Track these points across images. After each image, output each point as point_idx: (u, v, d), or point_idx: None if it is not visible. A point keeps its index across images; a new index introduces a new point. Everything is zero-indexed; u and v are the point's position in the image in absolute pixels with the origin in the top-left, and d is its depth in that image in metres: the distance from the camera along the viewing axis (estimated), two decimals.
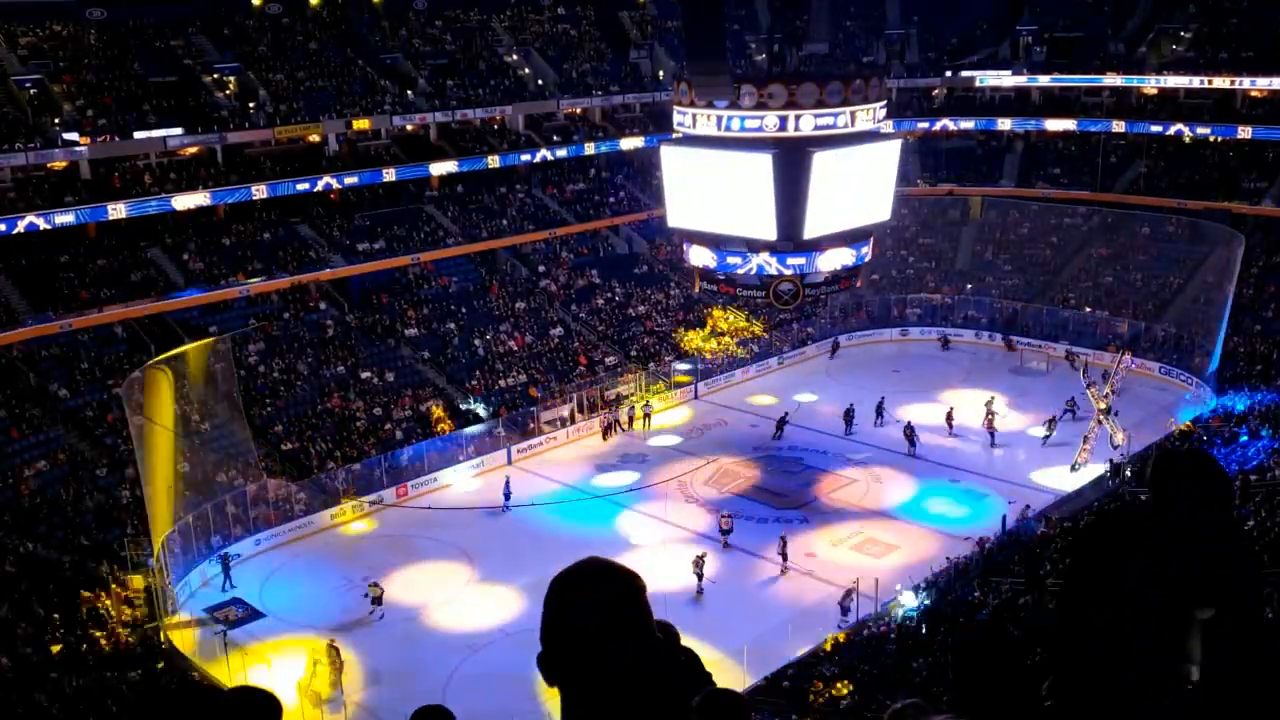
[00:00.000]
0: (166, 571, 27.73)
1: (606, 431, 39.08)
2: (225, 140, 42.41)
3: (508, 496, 33.38)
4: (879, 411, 38.52)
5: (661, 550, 29.92)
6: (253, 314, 39.85)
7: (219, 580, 29.19)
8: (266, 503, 32.16)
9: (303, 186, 43.66)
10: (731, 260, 29.37)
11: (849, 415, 38.18)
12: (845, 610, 25.94)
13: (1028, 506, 30.37)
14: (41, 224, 37.11)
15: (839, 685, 21.43)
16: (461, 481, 35.66)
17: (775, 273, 28.96)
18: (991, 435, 37.02)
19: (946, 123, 56.96)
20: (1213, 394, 38.59)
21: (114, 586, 27.40)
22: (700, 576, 27.93)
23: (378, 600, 27.13)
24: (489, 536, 31.59)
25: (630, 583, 1.93)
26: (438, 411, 37.77)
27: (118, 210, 38.66)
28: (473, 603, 28.11)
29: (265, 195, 42.46)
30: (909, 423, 37.14)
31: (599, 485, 35.12)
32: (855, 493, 33.87)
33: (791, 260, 28.87)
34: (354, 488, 34.04)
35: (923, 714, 2.45)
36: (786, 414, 38.48)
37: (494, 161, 48.80)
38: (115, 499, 31.06)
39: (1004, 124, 56.28)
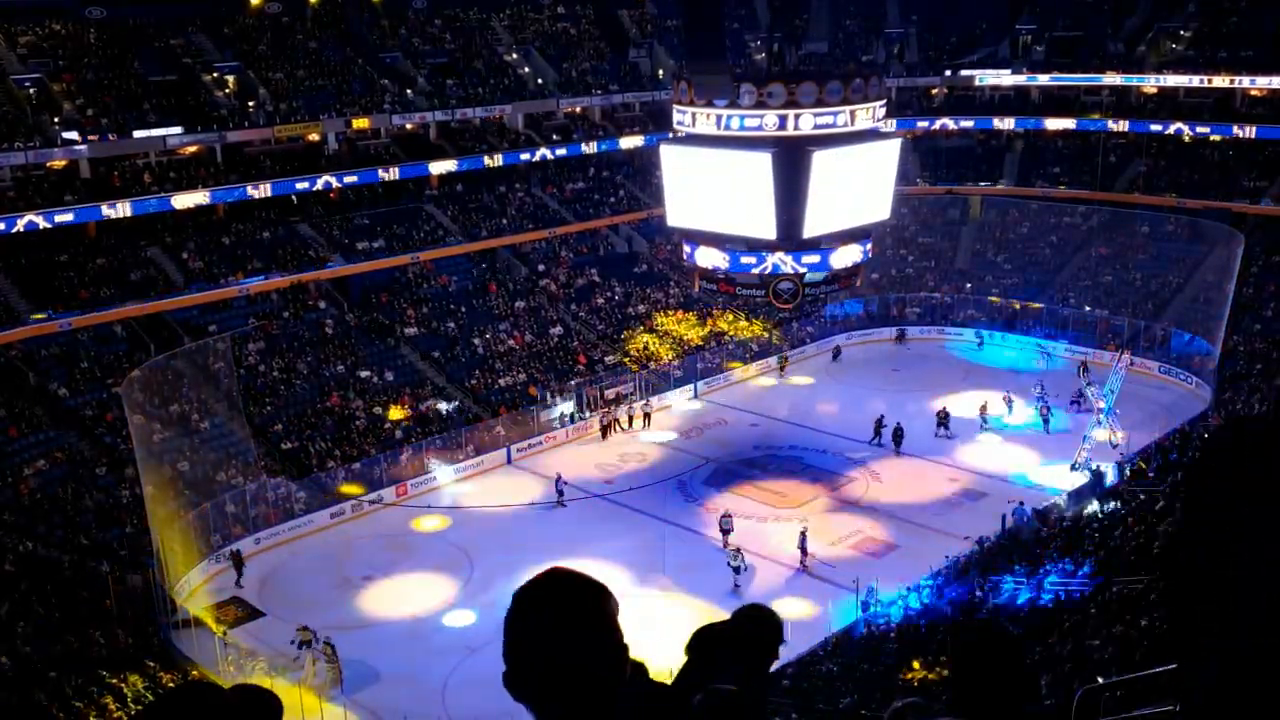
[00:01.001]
0: (166, 570, 27.73)
1: (605, 431, 39.08)
2: (225, 139, 42.41)
3: (561, 493, 33.35)
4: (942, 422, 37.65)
5: (666, 549, 29.92)
6: (252, 313, 39.84)
7: (232, 576, 29.24)
8: (266, 502, 32.15)
9: (302, 185, 43.67)
10: (745, 260, 29.30)
11: (898, 435, 36.37)
12: (866, 608, 26.04)
13: (1021, 502, 30.37)
14: (41, 222, 37.10)
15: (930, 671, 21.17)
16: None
17: (790, 270, 29.03)
18: (1045, 421, 37.61)
19: (946, 122, 56.95)
20: (1212, 393, 38.61)
21: (113, 586, 27.40)
22: (737, 570, 28.08)
23: (306, 644, 24.97)
24: (491, 535, 31.58)
25: (593, 593, 1.85)
26: (398, 413, 37.56)
27: (116, 209, 38.57)
28: (471, 602, 28.12)
29: (265, 194, 42.44)
30: (944, 408, 37.77)
31: (602, 484, 35.12)
32: (854, 491, 33.88)
33: (806, 259, 28.96)
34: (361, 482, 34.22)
35: (922, 714, 2.45)
36: (882, 416, 37.44)
37: (494, 160, 48.78)
38: (115, 498, 31.05)
39: (1004, 123, 56.25)
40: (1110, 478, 32.38)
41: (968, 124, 56.87)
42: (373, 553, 31.07)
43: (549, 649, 1.79)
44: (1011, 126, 56.28)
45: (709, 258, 30.15)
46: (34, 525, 29.11)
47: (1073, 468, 34.20)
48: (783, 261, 28.82)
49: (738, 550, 28.48)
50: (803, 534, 29.07)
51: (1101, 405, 34.85)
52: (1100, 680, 10.76)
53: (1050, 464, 34.82)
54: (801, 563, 28.82)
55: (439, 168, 47.30)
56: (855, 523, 31.62)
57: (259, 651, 25.67)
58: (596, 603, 1.85)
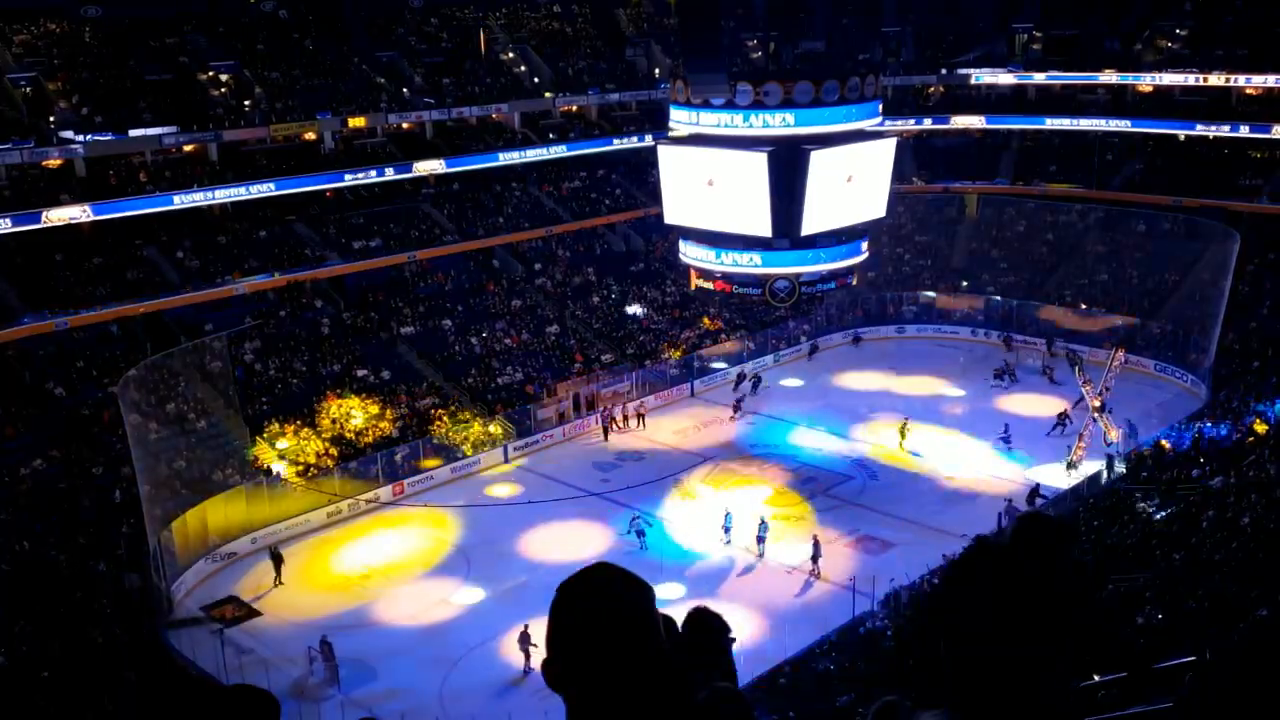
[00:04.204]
0: (164, 569, 27.72)
1: (607, 431, 38.99)
2: (221, 139, 42.34)
3: (642, 534, 30.24)
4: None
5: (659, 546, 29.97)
6: (249, 312, 39.80)
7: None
8: (264, 500, 32.12)
9: (299, 184, 43.49)
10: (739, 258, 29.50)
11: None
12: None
13: (1010, 501, 30.43)
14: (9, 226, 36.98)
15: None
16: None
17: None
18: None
19: (943, 120, 56.98)
20: (1208, 391, 38.69)
21: (110, 585, 27.38)
22: (762, 540, 29.17)
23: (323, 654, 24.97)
24: (486, 535, 31.60)
25: (639, 592, 1.91)
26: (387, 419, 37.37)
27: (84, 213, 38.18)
28: (470, 602, 28.15)
29: (266, 193, 42.33)
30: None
31: (600, 483, 35.13)
32: (852, 490, 33.92)
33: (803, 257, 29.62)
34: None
35: (908, 711, 2.45)
36: (907, 419, 37.21)
37: (491, 160, 48.71)
38: (111, 498, 30.99)
39: (1000, 122, 56.31)
40: (1106, 476, 32.49)
41: (964, 122, 56.91)
42: (370, 551, 31.09)
43: (591, 642, 1.85)
44: (1008, 125, 56.34)
45: (702, 256, 30.33)
46: (31, 525, 29.08)
47: (1068, 467, 34.25)
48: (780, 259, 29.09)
49: (763, 521, 29.67)
50: (815, 542, 28.74)
51: (1096, 404, 34.88)
52: (1096, 678, 10.80)
53: (1045, 463, 34.87)
54: (813, 571, 28.45)
55: (435, 167, 47.21)
56: (853, 521, 31.65)
57: (256, 651, 25.66)
58: (640, 599, 1.89)
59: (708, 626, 2.76)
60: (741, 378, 42.90)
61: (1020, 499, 30.81)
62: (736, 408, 40.10)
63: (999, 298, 48.85)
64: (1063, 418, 37.08)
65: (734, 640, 2.76)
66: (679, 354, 44.02)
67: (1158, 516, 26.17)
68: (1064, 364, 42.85)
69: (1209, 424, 33.11)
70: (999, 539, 2.31)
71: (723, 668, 2.68)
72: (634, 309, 46.40)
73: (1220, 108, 51.22)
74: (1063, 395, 39.19)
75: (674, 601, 26.00)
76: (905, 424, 36.76)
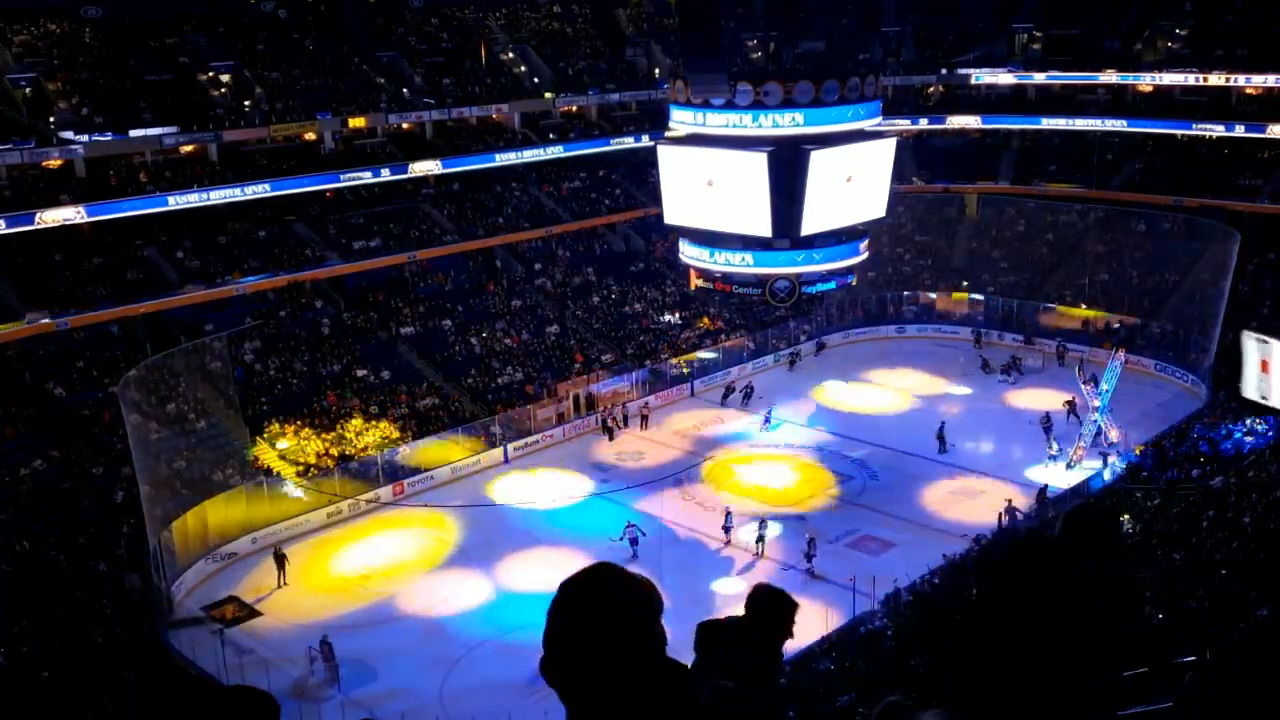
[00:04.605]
0: (164, 569, 27.72)
1: (611, 432, 38.94)
2: (221, 139, 42.31)
3: (635, 541, 29.48)
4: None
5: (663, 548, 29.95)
6: (249, 312, 39.78)
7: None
8: (264, 500, 32.13)
9: (299, 185, 43.46)
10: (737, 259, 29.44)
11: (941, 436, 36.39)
12: None
13: (1009, 501, 30.43)
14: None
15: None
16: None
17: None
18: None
19: (941, 120, 56.98)
20: (1208, 391, 38.68)
21: (111, 585, 27.36)
22: (761, 540, 29.36)
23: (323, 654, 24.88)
24: (486, 536, 31.59)
25: (639, 593, 1.91)
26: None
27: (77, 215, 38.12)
28: (470, 602, 28.14)
29: (261, 193, 42.31)
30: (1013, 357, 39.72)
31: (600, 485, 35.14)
32: (852, 490, 33.92)
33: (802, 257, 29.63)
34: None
35: (909, 711, 2.45)
36: (944, 423, 36.96)
37: (488, 160, 48.67)
38: (111, 498, 30.99)
39: (1000, 122, 56.30)
40: (1106, 476, 32.49)
41: (964, 122, 56.89)
42: (370, 551, 31.07)
43: (590, 641, 1.85)
44: (1007, 125, 56.34)
45: (699, 256, 30.45)
46: (31, 525, 29.07)
47: (1068, 466, 34.26)
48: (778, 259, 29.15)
49: (762, 520, 30.04)
50: (811, 541, 28.94)
51: (1097, 404, 34.88)
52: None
53: (1045, 462, 34.85)
54: (808, 570, 28.56)
55: (435, 167, 47.16)
56: (853, 521, 31.65)
57: (256, 651, 25.66)
58: (639, 599, 1.89)
59: (777, 603, 2.78)
60: (730, 390, 42.69)
61: (1017, 499, 30.84)
62: (767, 419, 39.07)
63: (1000, 299, 48.85)
64: (1070, 406, 37.34)
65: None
66: (681, 359, 43.94)
67: (1131, 529, 26.17)
68: (1030, 356, 44.23)
69: (1217, 425, 33.14)
70: (1047, 535, 2.31)
71: (772, 649, 2.69)
72: (668, 317, 46.52)
73: (1220, 107, 51.18)
74: (1064, 387, 39.11)
75: (732, 597, 26.05)
76: (943, 427, 36.53)
